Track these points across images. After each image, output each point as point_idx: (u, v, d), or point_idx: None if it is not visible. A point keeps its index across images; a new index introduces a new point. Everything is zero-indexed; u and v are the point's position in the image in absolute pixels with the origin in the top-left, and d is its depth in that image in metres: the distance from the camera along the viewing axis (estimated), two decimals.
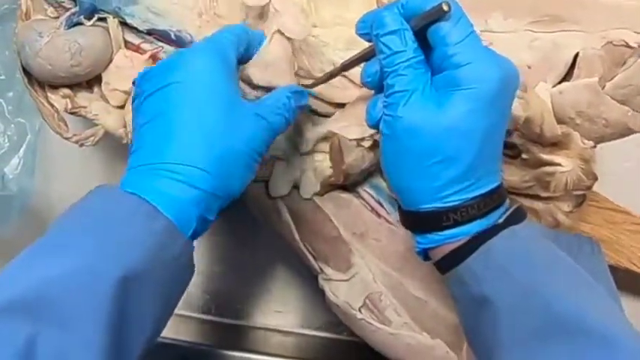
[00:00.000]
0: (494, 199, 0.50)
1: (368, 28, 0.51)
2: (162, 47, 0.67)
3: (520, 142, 0.62)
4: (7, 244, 0.80)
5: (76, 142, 0.67)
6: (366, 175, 0.65)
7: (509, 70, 0.49)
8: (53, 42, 0.65)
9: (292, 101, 0.56)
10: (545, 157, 0.62)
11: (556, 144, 0.64)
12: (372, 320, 0.62)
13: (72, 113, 0.68)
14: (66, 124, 0.68)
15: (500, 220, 0.50)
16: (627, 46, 0.62)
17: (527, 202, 0.65)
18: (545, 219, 0.65)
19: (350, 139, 0.62)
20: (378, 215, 0.65)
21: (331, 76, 0.60)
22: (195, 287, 0.83)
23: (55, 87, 0.68)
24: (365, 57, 0.55)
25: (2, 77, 0.82)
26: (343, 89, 0.64)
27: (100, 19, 0.67)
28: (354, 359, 0.78)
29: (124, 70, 0.66)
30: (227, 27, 0.58)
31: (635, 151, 0.80)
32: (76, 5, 0.67)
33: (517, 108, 0.62)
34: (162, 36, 0.67)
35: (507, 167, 0.64)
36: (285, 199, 0.65)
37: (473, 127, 0.48)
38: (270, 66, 0.60)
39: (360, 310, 0.63)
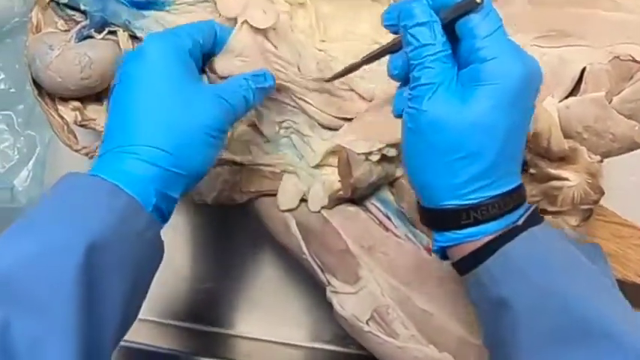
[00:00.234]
0: (514, 198, 0.49)
1: (394, 19, 0.50)
2: None
3: (527, 157, 0.62)
4: None
5: (86, 154, 0.68)
6: (374, 189, 0.66)
7: (533, 67, 0.49)
8: (64, 55, 0.66)
9: (251, 82, 0.58)
10: (553, 171, 0.62)
11: (563, 158, 0.64)
12: (380, 333, 0.62)
13: (81, 126, 0.69)
14: (75, 137, 0.68)
15: (520, 222, 0.49)
16: (634, 60, 0.63)
17: None
18: None
19: (358, 153, 0.62)
20: (386, 229, 0.65)
21: (352, 69, 0.60)
22: (203, 301, 0.83)
23: (65, 99, 0.69)
24: (387, 51, 0.54)
25: (12, 90, 0.83)
26: (351, 102, 0.64)
27: (110, 33, 0.68)
28: None
29: None
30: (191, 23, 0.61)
31: None
32: (86, 19, 0.68)
33: None
34: None
35: None
36: (294, 212, 0.66)
37: (496, 123, 0.47)
38: (239, 56, 0.62)
39: (367, 323, 0.63)
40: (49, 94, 0.69)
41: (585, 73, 0.63)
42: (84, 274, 0.46)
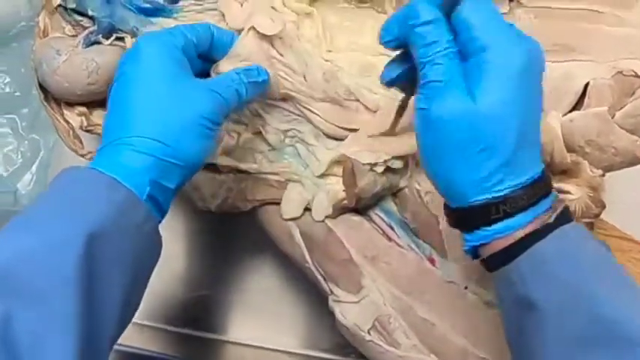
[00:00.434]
0: (540, 187, 0.49)
1: (394, 31, 0.51)
2: None
3: None
4: None
5: (91, 159, 0.68)
6: (378, 199, 0.66)
7: (532, 48, 0.49)
8: (71, 60, 0.66)
9: (243, 76, 0.60)
10: (555, 184, 0.63)
11: (565, 172, 0.64)
12: (381, 342, 0.63)
13: (87, 131, 0.69)
14: (81, 142, 0.69)
15: (552, 219, 0.48)
16: (637, 76, 0.63)
17: None
18: None
19: (363, 164, 0.62)
20: (389, 239, 0.65)
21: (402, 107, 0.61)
22: (199, 307, 0.83)
23: (71, 104, 0.69)
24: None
25: (18, 94, 0.83)
26: (356, 113, 0.65)
27: (118, 39, 0.68)
28: None
29: None
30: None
31: None
32: (94, 24, 0.68)
33: None
34: None
35: None
36: (298, 221, 0.66)
37: (508, 110, 0.47)
38: (244, 60, 0.63)
39: (369, 332, 0.63)
40: (55, 98, 0.69)
41: (589, 88, 0.64)
42: (84, 266, 0.47)
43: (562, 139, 0.63)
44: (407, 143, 0.62)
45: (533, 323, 0.48)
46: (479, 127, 0.47)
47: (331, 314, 0.66)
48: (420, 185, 0.64)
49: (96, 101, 0.69)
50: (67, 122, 0.68)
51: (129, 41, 0.67)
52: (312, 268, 0.65)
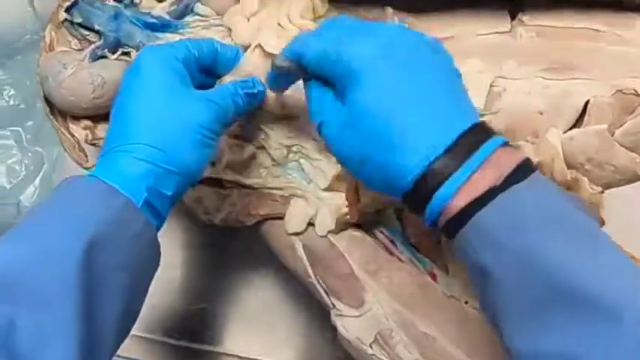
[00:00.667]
0: (463, 145, 0.48)
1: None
2: None
3: None
4: None
5: None
6: (380, 215, 0.67)
7: (364, 47, 0.51)
8: (77, 74, 0.67)
9: (239, 88, 0.61)
10: None
11: (566, 188, 0.65)
12: (383, 356, 0.63)
13: (92, 144, 0.69)
14: (86, 155, 0.69)
15: (499, 182, 0.47)
16: (637, 94, 0.64)
17: None
18: None
19: None
20: (391, 254, 0.66)
21: None
22: (196, 320, 0.84)
23: (76, 118, 0.70)
24: None
25: (22, 107, 0.84)
26: None
27: (124, 54, 0.68)
28: None
29: None
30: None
31: None
32: (100, 39, 0.69)
33: (529, 152, 0.63)
34: None
35: None
36: (301, 235, 0.66)
37: (380, 104, 0.49)
38: (249, 76, 0.63)
39: (371, 346, 0.63)
40: (60, 112, 0.69)
41: (589, 106, 0.64)
42: (84, 273, 0.47)
43: (562, 156, 0.64)
44: None
45: (490, 289, 0.47)
46: (366, 133, 0.50)
47: (331, 328, 0.67)
48: None
49: (101, 115, 0.70)
50: (73, 135, 0.69)
51: (135, 56, 0.68)
52: (315, 283, 0.66)
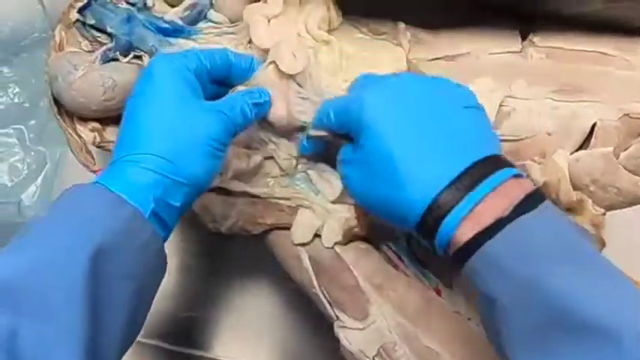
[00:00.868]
0: (473, 173, 0.50)
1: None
2: None
3: None
4: None
5: None
6: (387, 229, 0.67)
7: (371, 102, 0.55)
8: (87, 76, 0.66)
9: (247, 98, 0.61)
10: None
11: (570, 209, 0.65)
12: None
13: (99, 147, 0.69)
14: (92, 157, 0.69)
15: (507, 213, 0.49)
16: None
17: None
18: None
19: None
20: (397, 267, 0.66)
21: None
22: (197, 327, 0.84)
23: (84, 119, 0.69)
24: None
25: (26, 105, 0.83)
26: None
27: (136, 57, 0.68)
28: None
29: None
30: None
31: None
32: (112, 41, 0.68)
33: (536, 173, 0.64)
34: None
35: None
36: (307, 246, 0.66)
37: (386, 146, 0.53)
38: None
39: (374, 359, 0.63)
40: (68, 113, 0.69)
41: (596, 129, 0.65)
42: (89, 283, 0.47)
43: (569, 178, 0.64)
44: None
45: (496, 316, 0.49)
46: (379, 174, 0.54)
47: (328, 338, 0.67)
48: None
49: (109, 118, 0.69)
50: (80, 137, 0.68)
51: (146, 60, 0.68)
52: (319, 294, 0.66)
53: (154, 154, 0.55)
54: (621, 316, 0.43)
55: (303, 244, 0.66)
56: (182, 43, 0.68)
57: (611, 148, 0.65)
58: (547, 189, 0.63)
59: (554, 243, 0.48)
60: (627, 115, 0.65)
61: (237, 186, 0.67)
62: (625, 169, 0.65)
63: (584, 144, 0.66)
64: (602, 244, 0.65)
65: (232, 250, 0.84)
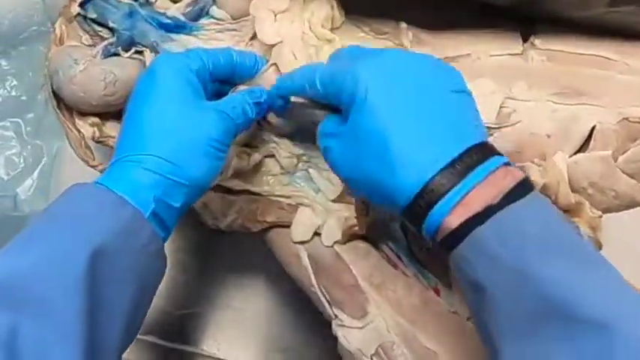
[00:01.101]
0: (467, 160, 0.49)
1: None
2: None
3: None
4: None
5: (101, 171, 0.68)
6: (387, 228, 0.67)
7: (368, 72, 0.52)
8: (88, 70, 0.66)
9: (247, 97, 0.61)
10: None
11: (567, 211, 0.66)
12: None
13: (99, 142, 0.68)
14: (92, 152, 0.68)
15: (496, 200, 0.48)
16: None
17: None
18: None
19: None
20: (396, 267, 0.66)
21: None
22: (193, 326, 0.84)
23: (83, 114, 0.69)
24: None
25: (24, 98, 0.83)
26: None
27: (137, 52, 0.68)
28: None
29: None
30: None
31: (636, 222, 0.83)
32: (113, 36, 0.68)
33: (535, 174, 0.64)
34: None
35: None
36: (306, 245, 0.67)
37: (379, 124, 0.50)
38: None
39: (372, 358, 0.63)
40: (67, 107, 0.69)
41: (595, 132, 0.65)
42: (89, 282, 0.47)
43: (567, 180, 0.65)
44: None
45: (485, 305, 0.48)
46: (371, 150, 0.51)
47: (325, 336, 0.67)
48: None
49: (109, 113, 0.69)
50: (79, 131, 0.68)
51: (148, 55, 0.67)
52: (318, 292, 0.66)
53: (154, 154, 0.55)
54: (612, 307, 0.43)
55: (302, 243, 0.67)
56: (184, 39, 0.68)
57: (609, 152, 0.65)
58: (546, 191, 0.64)
59: (545, 232, 0.48)
60: (626, 119, 0.65)
61: (237, 184, 0.67)
62: (623, 172, 0.66)
63: (583, 147, 0.66)
64: (599, 247, 0.66)
65: (227, 248, 0.84)
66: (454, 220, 0.48)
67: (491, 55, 0.68)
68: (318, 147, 0.63)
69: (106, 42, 0.68)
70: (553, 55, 0.68)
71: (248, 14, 0.67)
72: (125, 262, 0.51)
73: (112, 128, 0.69)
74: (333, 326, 0.66)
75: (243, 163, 0.66)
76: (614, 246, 0.71)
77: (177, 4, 0.68)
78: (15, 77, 0.83)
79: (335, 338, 0.66)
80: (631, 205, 0.67)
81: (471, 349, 0.63)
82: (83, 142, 0.68)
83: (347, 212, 0.65)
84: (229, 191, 0.67)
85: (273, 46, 0.64)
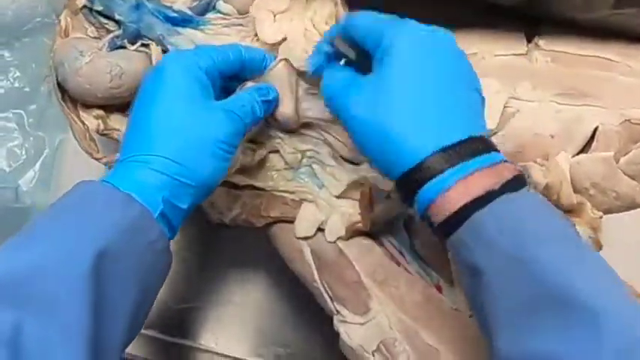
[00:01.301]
0: (460, 150, 0.50)
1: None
2: None
3: None
4: None
5: (105, 163, 0.68)
6: (390, 225, 0.67)
7: (414, 33, 0.54)
8: (94, 62, 0.66)
9: (256, 95, 0.61)
10: None
11: (569, 211, 0.66)
12: None
13: (103, 134, 0.68)
14: (96, 144, 0.68)
15: (497, 187, 0.49)
16: None
17: None
18: None
19: (381, 190, 0.64)
20: (399, 264, 0.67)
21: None
22: (193, 320, 0.84)
23: (88, 106, 0.69)
24: None
25: (27, 89, 0.82)
26: None
27: (143, 45, 0.68)
28: None
29: None
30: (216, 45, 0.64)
31: (637, 224, 0.84)
32: (119, 28, 0.68)
33: (538, 174, 0.65)
34: None
35: None
36: (310, 240, 0.67)
37: (409, 83, 0.52)
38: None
39: (373, 354, 0.64)
40: (72, 99, 0.68)
41: (597, 133, 0.66)
42: (94, 280, 0.47)
43: (570, 181, 0.65)
44: None
45: (482, 289, 0.49)
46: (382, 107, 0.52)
47: (326, 331, 0.67)
48: None
49: (114, 105, 0.69)
50: (83, 124, 0.68)
51: (154, 48, 0.67)
52: (320, 288, 0.66)
53: (162, 155, 0.55)
54: (603, 296, 0.44)
55: (305, 238, 0.67)
56: (190, 33, 0.67)
57: (611, 153, 0.66)
58: (549, 191, 0.64)
59: (541, 221, 0.49)
60: (628, 120, 0.66)
61: (242, 180, 0.67)
62: (624, 174, 0.66)
63: (586, 147, 0.67)
64: (599, 248, 0.66)
65: (228, 243, 0.84)
66: (452, 201, 0.49)
67: (495, 55, 0.68)
68: (323, 141, 0.64)
69: (112, 34, 0.68)
70: (557, 56, 0.68)
71: None
72: (131, 260, 0.51)
73: (116, 121, 0.69)
74: (335, 322, 0.66)
75: (247, 159, 0.66)
76: (614, 247, 0.72)
77: None
78: (18, 69, 0.82)
79: (337, 334, 0.66)
80: (632, 206, 0.68)
81: (473, 345, 0.64)
82: (87, 135, 0.68)
83: (351, 208, 0.66)
84: (234, 186, 0.68)
85: (274, 45, 0.65)
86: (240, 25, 0.68)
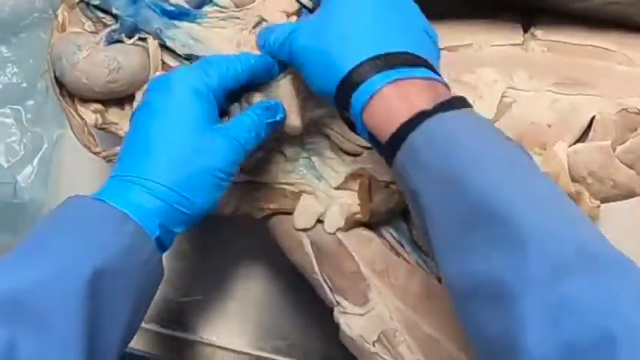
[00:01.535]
0: (403, 57, 0.52)
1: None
2: None
3: None
4: None
5: (104, 157, 0.68)
6: (389, 216, 0.67)
7: None
8: (92, 57, 0.65)
9: (263, 117, 0.60)
10: None
11: None
12: (385, 355, 0.64)
13: (101, 129, 0.68)
14: (94, 139, 0.68)
15: (430, 107, 0.49)
16: None
17: None
18: None
19: (380, 181, 0.64)
20: (398, 254, 0.67)
21: None
22: (195, 315, 0.84)
23: (85, 100, 0.69)
24: None
25: (24, 85, 0.82)
26: None
27: (141, 39, 0.67)
28: None
29: None
30: (227, 55, 0.63)
31: (634, 212, 0.84)
32: (116, 22, 0.68)
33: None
34: None
35: None
36: (309, 232, 0.67)
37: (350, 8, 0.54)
38: (276, 99, 0.63)
39: (373, 345, 0.64)
40: (69, 93, 0.68)
41: (594, 122, 0.66)
42: (89, 297, 0.47)
43: (567, 170, 0.65)
44: None
45: (420, 213, 0.49)
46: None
47: (326, 323, 0.68)
48: None
49: (111, 99, 0.69)
50: (82, 118, 0.68)
51: (151, 42, 0.67)
52: (320, 279, 0.67)
53: (162, 183, 0.55)
54: (532, 220, 0.43)
55: (305, 230, 0.67)
56: (187, 27, 0.67)
57: (609, 142, 0.66)
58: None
59: (475, 142, 0.49)
60: (625, 109, 0.66)
61: (240, 178, 0.67)
62: (621, 162, 0.66)
63: (583, 137, 0.67)
64: None
65: (227, 236, 0.84)
66: (383, 110, 0.50)
67: (492, 45, 0.69)
68: (322, 133, 0.64)
69: (109, 29, 0.67)
70: (553, 45, 0.68)
71: (252, 2, 0.67)
72: (125, 278, 0.52)
73: (114, 114, 0.69)
74: (335, 313, 0.66)
75: (245, 162, 0.66)
76: (611, 235, 0.72)
77: None
78: (15, 64, 0.82)
79: (337, 325, 0.66)
80: (629, 195, 0.68)
81: None
82: (86, 129, 0.68)
83: (350, 199, 0.66)
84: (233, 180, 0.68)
85: None
86: (237, 18, 0.68)
